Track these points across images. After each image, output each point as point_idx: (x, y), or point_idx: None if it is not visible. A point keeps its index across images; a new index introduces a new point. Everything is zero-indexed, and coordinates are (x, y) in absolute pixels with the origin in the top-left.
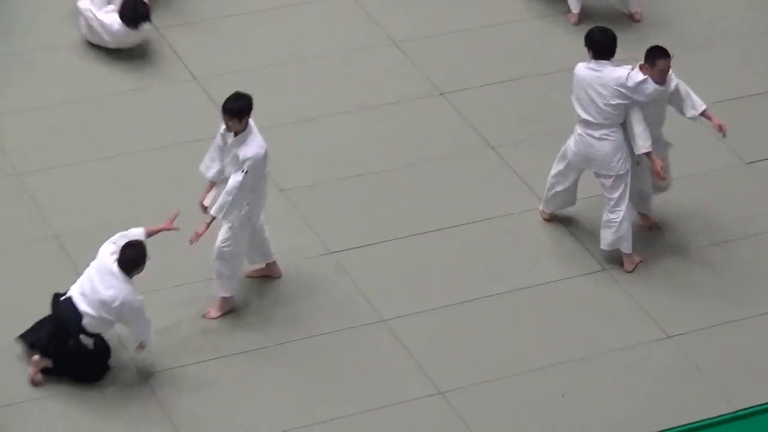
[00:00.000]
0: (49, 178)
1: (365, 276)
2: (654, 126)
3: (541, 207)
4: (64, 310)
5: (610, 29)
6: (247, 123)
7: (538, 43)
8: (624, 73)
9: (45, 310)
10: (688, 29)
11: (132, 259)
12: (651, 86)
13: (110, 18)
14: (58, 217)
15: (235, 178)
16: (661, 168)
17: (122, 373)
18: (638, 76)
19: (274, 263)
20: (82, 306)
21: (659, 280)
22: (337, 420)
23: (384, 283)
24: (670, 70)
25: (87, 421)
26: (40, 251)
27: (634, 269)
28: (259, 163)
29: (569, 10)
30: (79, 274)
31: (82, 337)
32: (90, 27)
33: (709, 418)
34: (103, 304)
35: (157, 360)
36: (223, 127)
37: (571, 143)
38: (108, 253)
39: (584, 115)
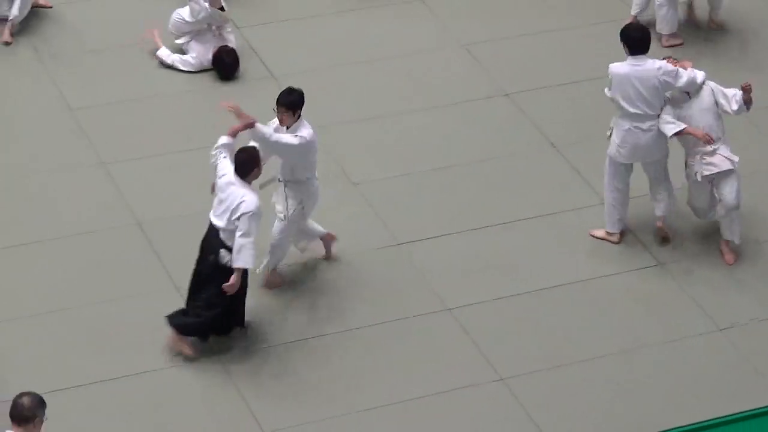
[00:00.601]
0: (133, 168)
1: (431, 267)
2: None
3: (609, 231)
4: (207, 233)
5: (645, 26)
6: (298, 117)
7: (597, 46)
8: (663, 62)
9: (127, 293)
10: (727, 46)
11: (245, 161)
12: (680, 71)
13: (194, 60)
14: (141, 206)
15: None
16: (705, 134)
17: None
18: (670, 65)
19: (326, 239)
20: (216, 221)
21: (712, 275)
22: (403, 403)
23: (449, 274)
24: (690, 69)
25: (161, 397)
26: (123, 237)
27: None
28: (302, 149)
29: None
30: (159, 260)
31: (222, 252)
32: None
33: (757, 408)
34: (228, 211)
35: (232, 340)
36: (277, 122)
37: (615, 139)
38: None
39: (633, 110)
